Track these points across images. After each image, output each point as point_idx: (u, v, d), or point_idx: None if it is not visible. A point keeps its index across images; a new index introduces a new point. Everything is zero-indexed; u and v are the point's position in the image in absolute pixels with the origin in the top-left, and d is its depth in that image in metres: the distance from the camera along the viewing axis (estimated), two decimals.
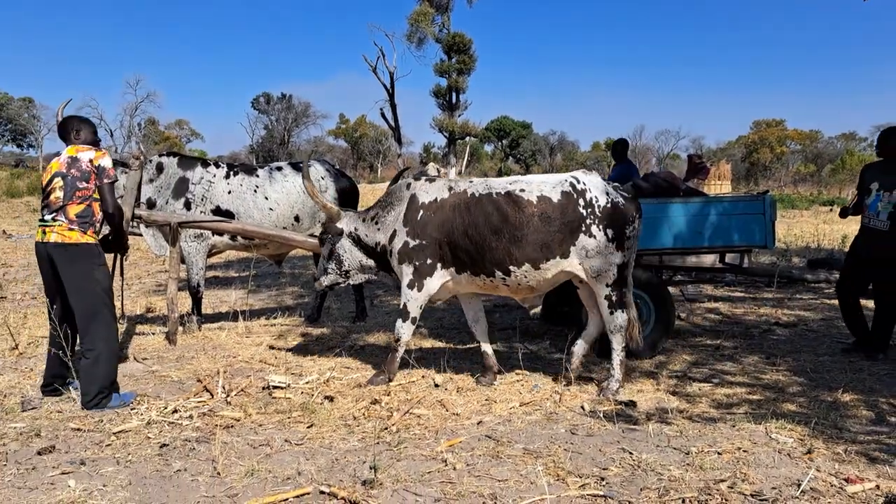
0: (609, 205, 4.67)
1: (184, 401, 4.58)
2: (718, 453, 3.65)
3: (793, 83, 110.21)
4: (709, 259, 6.89)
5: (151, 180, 6.62)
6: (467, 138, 37.72)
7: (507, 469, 3.50)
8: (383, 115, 33.90)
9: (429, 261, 4.78)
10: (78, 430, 4.06)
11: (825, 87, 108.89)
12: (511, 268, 4.68)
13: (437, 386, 4.88)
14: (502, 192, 4.72)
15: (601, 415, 4.26)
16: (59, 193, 4.38)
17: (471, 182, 4.94)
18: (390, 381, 4.94)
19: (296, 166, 7.13)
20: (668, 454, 3.67)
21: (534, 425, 4.15)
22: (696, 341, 6.32)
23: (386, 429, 4.07)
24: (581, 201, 4.66)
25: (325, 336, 6.63)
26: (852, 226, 18.14)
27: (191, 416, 4.29)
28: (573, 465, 3.53)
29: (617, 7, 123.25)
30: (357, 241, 5.09)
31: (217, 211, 6.60)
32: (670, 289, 6.48)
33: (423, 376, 5.10)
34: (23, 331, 6.35)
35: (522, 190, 4.71)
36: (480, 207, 4.71)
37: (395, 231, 4.89)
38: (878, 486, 3.25)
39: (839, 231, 14.03)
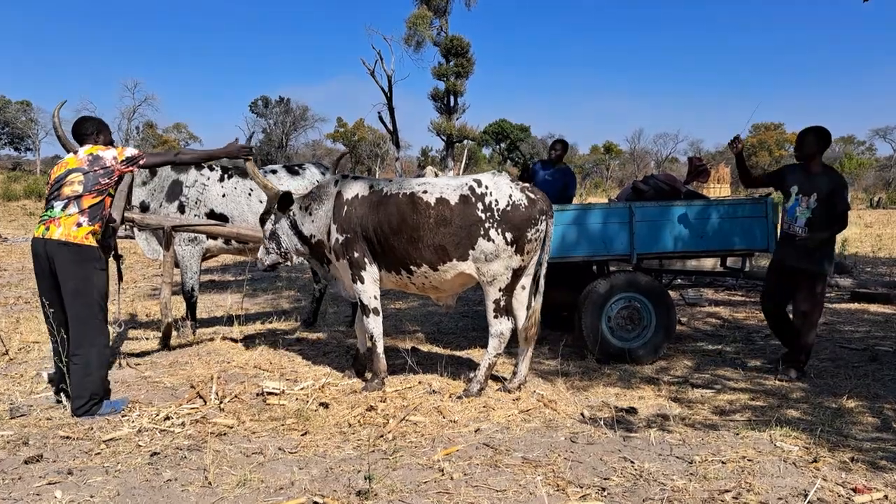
0: (510, 208, 4.60)
1: (176, 407, 4.48)
2: (722, 462, 3.56)
3: (791, 87, 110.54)
4: (709, 263, 6.81)
5: (145, 183, 6.53)
6: (465, 141, 37.57)
7: (505, 479, 3.40)
8: (381, 119, 33.65)
9: (356, 254, 4.83)
10: (67, 438, 3.97)
11: (823, 91, 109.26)
12: (412, 267, 4.76)
13: (433, 392, 4.79)
14: (407, 193, 4.74)
15: (601, 422, 4.17)
16: (77, 187, 4.37)
17: (390, 182, 4.96)
18: (383, 381, 4.87)
19: (291, 169, 7.07)
20: (671, 463, 3.58)
21: (532, 433, 4.06)
22: (698, 346, 6.24)
23: (381, 436, 3.98)
24: (480, 205, 4.62)
25: (320, 341, 6.55)
26: (853, 229, 17.97)
27: (183, 424, 4.20)
28: (573, 475, 3.44)
29: (616, 10, 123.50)
30: (293, 226, 5.13)
31: (211, 214, 6.52)
32: (670, 293, 6.40)
33: (419, 382, 5.00)
34: (14, 336, 6.26)
35: (425, 192, 4.72)
36: (386, 207, 4.75)
37: (329, 227, 4.93)
38: (886, 497, 3.16)
39: (839, 234, 13.91)
